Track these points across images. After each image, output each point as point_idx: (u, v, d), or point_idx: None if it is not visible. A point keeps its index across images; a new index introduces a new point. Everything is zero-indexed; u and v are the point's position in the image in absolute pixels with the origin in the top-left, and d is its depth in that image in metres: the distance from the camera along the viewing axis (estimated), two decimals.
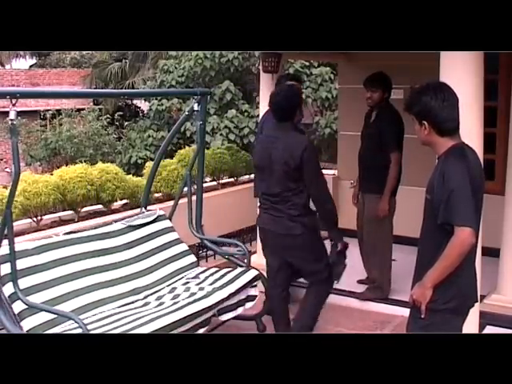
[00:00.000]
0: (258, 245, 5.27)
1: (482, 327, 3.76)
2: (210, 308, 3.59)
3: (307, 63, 11.66)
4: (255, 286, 4.16)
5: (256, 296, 4.14)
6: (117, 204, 5.42)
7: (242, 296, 4.01)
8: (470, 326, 3.45)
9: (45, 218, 4.80)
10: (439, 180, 2.48)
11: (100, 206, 5.30)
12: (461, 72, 3.35)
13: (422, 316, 2.54)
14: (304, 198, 3.60)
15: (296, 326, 3.84)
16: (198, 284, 4.00)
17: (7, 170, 15.13)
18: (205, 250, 5.59)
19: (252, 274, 4.11)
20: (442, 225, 2.46)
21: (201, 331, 3.54)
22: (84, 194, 4.88)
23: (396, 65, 4.92)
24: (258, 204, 3.89)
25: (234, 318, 4.26)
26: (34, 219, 4.69)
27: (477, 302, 2.65)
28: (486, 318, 3.85)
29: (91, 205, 5.25)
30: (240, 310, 4.02)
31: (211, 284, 3.93)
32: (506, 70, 5.46)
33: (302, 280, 4.72)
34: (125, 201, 5.45)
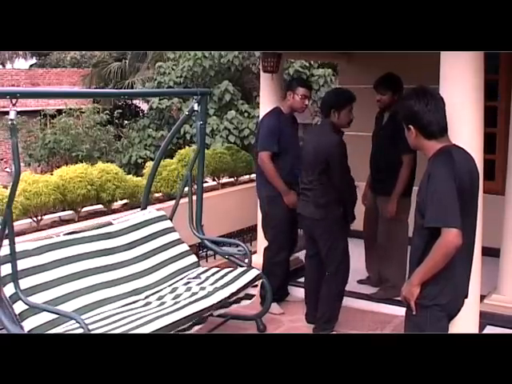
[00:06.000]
0: (259, 244, 5.28)
1: (482, 327, 3.75)
2: (211, 307, 3.59)
3: (307, 64, 11.67)
4: (256, 285, 4.16)
5: (254, 295, 4.14)
6: (117, 204, 5.42)
7: (240, 294, 4.01)
8: (470, 325, 3.45)
9: (45, 217, 4.79)
10: (425, 182, 2.54)
11: (100, 206, 5.30)
12: (461, 72, 3.34)
13: (414, 313, 2.59)
14: (328, 187, 4.08)
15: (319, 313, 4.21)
16: (199, 284, 4.00)
17: (7, 169, 15.11)
18: (205, 249, 5.58)
19: (253, 273, 4.11)
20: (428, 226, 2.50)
21: (196, 328, 3.53)
22: (84, 194, 4.87)
23: (396, 64, 4.91)
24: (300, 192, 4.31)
25: (235, 318, 4.27)
26: (34, 219, 4.68)
27: (463, 305, 2.68)
28: (486, 318, 3.85)
29: (91, 205, 5.25)
30: (233, 307, 4.00)
31: (212, 284, 3.93)
32: (506, 70, 5.46)
33: (300, 280, 4.75)
34: (125, 201, 5.45)
